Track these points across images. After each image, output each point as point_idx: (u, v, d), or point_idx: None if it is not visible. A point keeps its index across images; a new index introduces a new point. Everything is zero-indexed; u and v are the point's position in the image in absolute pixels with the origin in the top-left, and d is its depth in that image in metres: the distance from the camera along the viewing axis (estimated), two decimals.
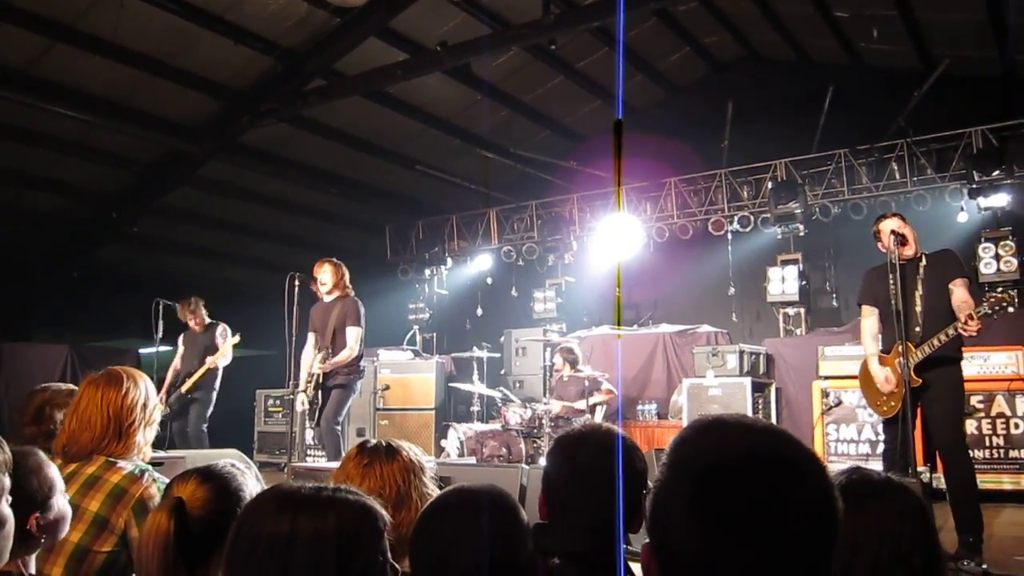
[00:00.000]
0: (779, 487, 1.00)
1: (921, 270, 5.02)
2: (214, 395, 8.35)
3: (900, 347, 4.89)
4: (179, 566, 1.75)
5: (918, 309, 4.95)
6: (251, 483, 1.99)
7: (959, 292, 4.86)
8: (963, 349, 5.03)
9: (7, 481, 1.54)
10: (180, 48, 8.86)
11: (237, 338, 8.42)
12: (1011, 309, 4.73)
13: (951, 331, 4.72)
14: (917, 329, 4.91)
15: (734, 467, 1.02)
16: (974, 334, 4.66)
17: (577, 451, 1.93)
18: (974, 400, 7.19)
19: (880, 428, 5.88)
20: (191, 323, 8.54)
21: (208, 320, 8.58)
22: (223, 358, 8.32)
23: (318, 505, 1.43)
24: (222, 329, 8.48)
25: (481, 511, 1.62)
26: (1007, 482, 7.05)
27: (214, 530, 1.84)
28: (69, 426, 2.52)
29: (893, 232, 5.00)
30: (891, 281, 4.93)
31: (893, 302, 4.87)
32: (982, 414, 7.21)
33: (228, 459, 2.20)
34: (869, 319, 5.35)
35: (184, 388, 8.21)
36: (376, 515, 1.49)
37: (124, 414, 2.53)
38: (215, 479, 1.93)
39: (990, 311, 4.64)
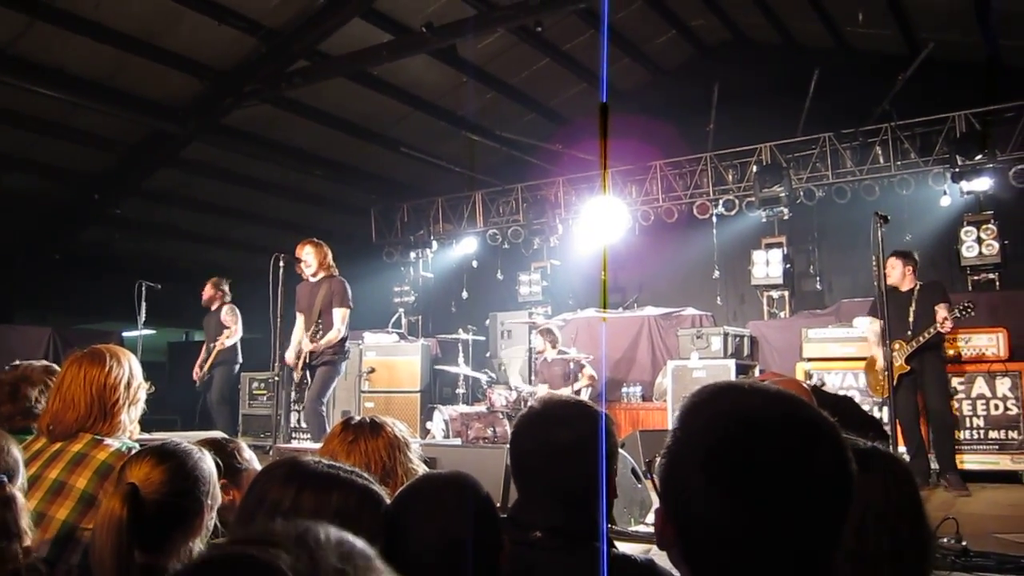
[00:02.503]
0: (797, 448, 1.02)
1: (916, 293, 6.79)
2: (234, 368, 8.91)
3: (896, 345, 6.56)
4: (132, 553, 1.71)
5: (910, 320, 6.72)
6: (208, 461, 1.95)
7: (940, 310, 6.62)
8: (945, 344, 7.02)
9: None
10: (163, 27, 8.77)
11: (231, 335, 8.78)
12: (972, 313, 6.56)
13: (932, 329, 6.54)
14: (909, 332, 6.68)
15: (751, 428, 1.03)
16: (948, 330, 6.58)
17: (536, 427, 1.93)
18: (955, 382, 7.26)
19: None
20: (204, 296, 8.95)
21: (222, 300, 8.97)
22: (229, 339, 8.72)
23: (323, 481, 1.47)
24: (227, 309, 8.83)
25: (440, 495, 1.64)
26: (987, 462, 7.13)
27: (172, 511, 1.83)
28: (53, 405, 2.48)
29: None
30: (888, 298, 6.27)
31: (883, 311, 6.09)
32: (963, 396, 7.28)
33: (198, 438, 2.19)
34: (874, 325, 6.87)
35: (203, 371, 8.76)
36: (378, 501, 1.51)
37: (107, 393, 2.50)
38: (170, 459, 1.88)
39: (959, 315, 6.50)
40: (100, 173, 11.04)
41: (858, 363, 7.82)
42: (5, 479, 1.55)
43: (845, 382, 7.93)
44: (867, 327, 7.22)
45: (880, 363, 6.74)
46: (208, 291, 8.96)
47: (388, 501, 1.54)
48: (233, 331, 8.74)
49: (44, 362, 3.02)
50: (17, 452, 1.76)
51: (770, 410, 1.06)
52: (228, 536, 1.49)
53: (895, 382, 6.51)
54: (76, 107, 9.48)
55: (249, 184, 12.07)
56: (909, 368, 6.67)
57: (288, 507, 1.42)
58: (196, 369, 8.88)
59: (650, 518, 5.37)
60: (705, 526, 1.04)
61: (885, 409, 7.17)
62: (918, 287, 6.81)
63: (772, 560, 1.00)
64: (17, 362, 3.05)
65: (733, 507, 1.01)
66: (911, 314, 6.71)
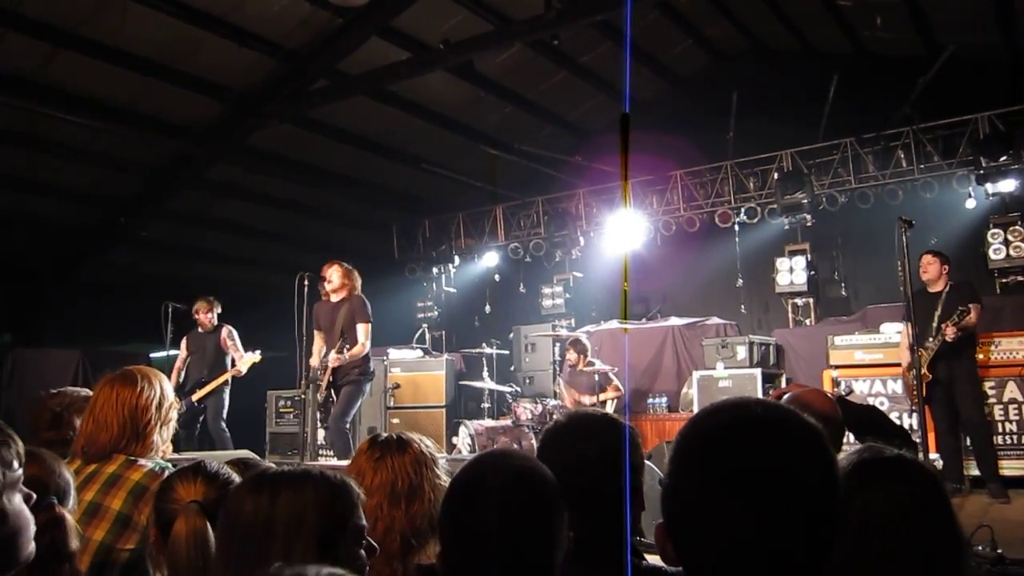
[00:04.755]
0: (778, 451, 1.06)
1: (943, 296, 6.64)
2: (227, 392, 8.31)
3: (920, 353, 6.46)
4: (215, 566, 1.75)
5: (934, 325, 6.57)
6: (237, 478, 2.00)
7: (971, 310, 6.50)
8: (977, 348, 6.92)
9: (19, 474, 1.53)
10: (184, 52, 8.88)
11: (258, 356, 8.33)
12: (970, 315, 6.46)
13: (940, 338, 6.50)
14: (931, 339, 6.56)
15: (734, 435, 1.08)
16: (951, 339, 6.44)
17: (563, 440, 1.93)
18: (986, 386, 7.17)
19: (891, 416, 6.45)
20: (202, 319, 8.41)
21: (216, 322, 8.52)
22: (245, 365, 8.22)
23: (294, 479, 1.50)
24: (228, 331, 8.42)
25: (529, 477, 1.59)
26: (1021, 468, 7.03)
27: None
28: (86, 427, 2.53)
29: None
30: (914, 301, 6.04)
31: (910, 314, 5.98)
32: (994, 400, 7.18)
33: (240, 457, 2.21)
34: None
35: (195, 398, 8.13)
36: (349, 488, 1.54)
37: (139, 414, 2.54)
38: (218, 477, 1.95)
39: (957, 320, 6.41)
40: (125, 196, 11.18)
41: (885, 369, 7.76)
42: (54, 500, 1.56)
43: (873, 388, 7.86)
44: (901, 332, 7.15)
45: (905, 366, 6.74)
46: (208, 310, 8.42)
47: (359, 491, 1.57)
48: (241, 355, 8.29)
49: (86, 390, 3.04)
50: (68, 474, 1.79)
51: (754, 418, 1.10)
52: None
53: (926, 389, 6.51)
54: (101, 132, 9.62)
55: (272, 204, 12.17)
56: (932, 376, 6.62)
57: (266, 511, 1.45)
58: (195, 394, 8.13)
59: None
60: (696, 533, 1.07)
61: (915, 416, 7.10)
62: (948, 288, 6.77)
63: (759, 564, 1.03)
64: (59, 390, 3.07)
65: (719, 511, 1.04)
66: (935, 318, 6.64)
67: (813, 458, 1.06)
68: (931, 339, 6.59)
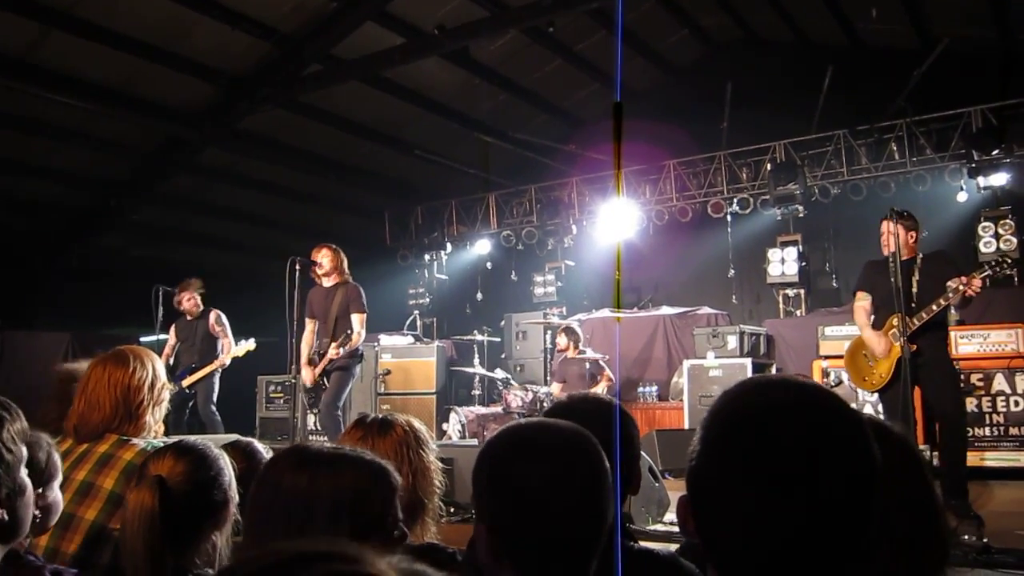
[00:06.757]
0: (811, 431, 1.02)
1: (918, 262, 5.57)
2: (217, 377, 8.28)
3: (896, 320, 5.36)
4: (165, 544, 1.72)
5: (914, 291, 5.47)
6: (225, 457, 1.98)
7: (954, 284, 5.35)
8: (952, 329, 5.96)
9: (24, 451, 1.55)
10: (177, 34, 8.82)
11: (252, 344, 8.27)
12: (1009, 272, 5.54)
13: (950, 294, 5.24)
14: (913, 305, 5.41)
15: (766, 413, 1.05)
16: (976, 292, 5.24)
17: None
18: (974, 378, 7.21)
19: (880, 407, 6.13)
20: (187, 307, 8.33)
21: (202, 306, 8.42)
22: (229, 357, 8.18)
23: (335, 462, 1.52)
24: (216, 315, 8.32)
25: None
26: (1007, 459, 7.08)
27: (200, 502, 1.85)
28: (78, 407, 2.50)
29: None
30: (891, 267, 5.34)
31: (893, 279, 5.27)
32: (982, 392, 7.23)
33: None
34: (863, 302, 5.82)
35: (186, 383, 8.09)
36: (388, 474, 1.56)
37: (132, 394, 2.52)
38: (191, 452, 1.91)
39: (990, 271, 5.38)
40: (117, 179, 11.12)
41: None
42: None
43: None
44: (856, 305, 5.90)
45: (875, 342, 5.58)
46: (190, 296, 8.30)
47: (397, 477, 1.58)
48: (230, 341, 8.24)
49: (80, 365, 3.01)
50: (56, 455, 1.79)
51: (792, 397, 1.06)
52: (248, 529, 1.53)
53: (892, 369, 5.51)
54: (93, 114, 9.55)
55: (264, 188, 12.12)
56: (916, 348, 5.35)
57: (305, 491, 1.47)
58: (185, 380, 8.06)
59: (668, 516, 5.37)
60: (717, 513, 1.05)
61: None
62: (921, 256, 5.63)
63: (775, 551, 1.00)
64: (72, 364, 3.03)
65: (740, 495, 1.01)
66: (914, 284, 5.51)
67: (843, 448, 1.02)
68: (915, 305, 5.41)
